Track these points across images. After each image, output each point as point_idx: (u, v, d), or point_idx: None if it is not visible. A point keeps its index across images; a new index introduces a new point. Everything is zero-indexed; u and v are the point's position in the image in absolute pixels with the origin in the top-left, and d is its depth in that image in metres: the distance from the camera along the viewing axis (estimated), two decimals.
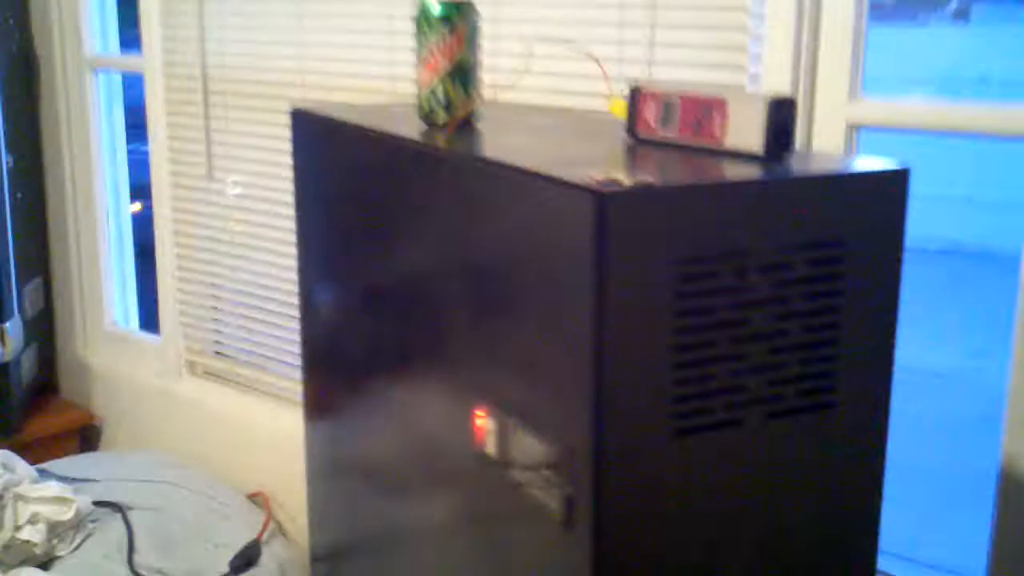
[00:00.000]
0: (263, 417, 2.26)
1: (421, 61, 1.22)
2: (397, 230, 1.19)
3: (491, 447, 1.04)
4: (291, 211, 2.14)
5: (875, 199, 0.98)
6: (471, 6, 1.22)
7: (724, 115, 1.03)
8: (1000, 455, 1.41)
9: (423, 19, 1.21)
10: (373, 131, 1.22)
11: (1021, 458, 1.38)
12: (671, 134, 1.08)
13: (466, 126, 1.23)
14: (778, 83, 1.49)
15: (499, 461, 1.02)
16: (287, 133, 2.11)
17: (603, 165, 0.97)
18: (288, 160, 2.12)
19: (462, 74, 1.22)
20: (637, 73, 1.60)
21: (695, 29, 1.55)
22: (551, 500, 0.95)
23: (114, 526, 1.94)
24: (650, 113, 1.10)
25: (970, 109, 1.39)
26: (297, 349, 2.20)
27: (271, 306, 2.22)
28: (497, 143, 1.13)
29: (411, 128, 1.22)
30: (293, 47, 2.07)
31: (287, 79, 2.09)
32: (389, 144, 1.18)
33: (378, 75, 1.95)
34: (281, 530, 2.17)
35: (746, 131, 1.01)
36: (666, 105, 1.09)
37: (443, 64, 1.21)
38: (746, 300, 0.92)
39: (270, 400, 2.28)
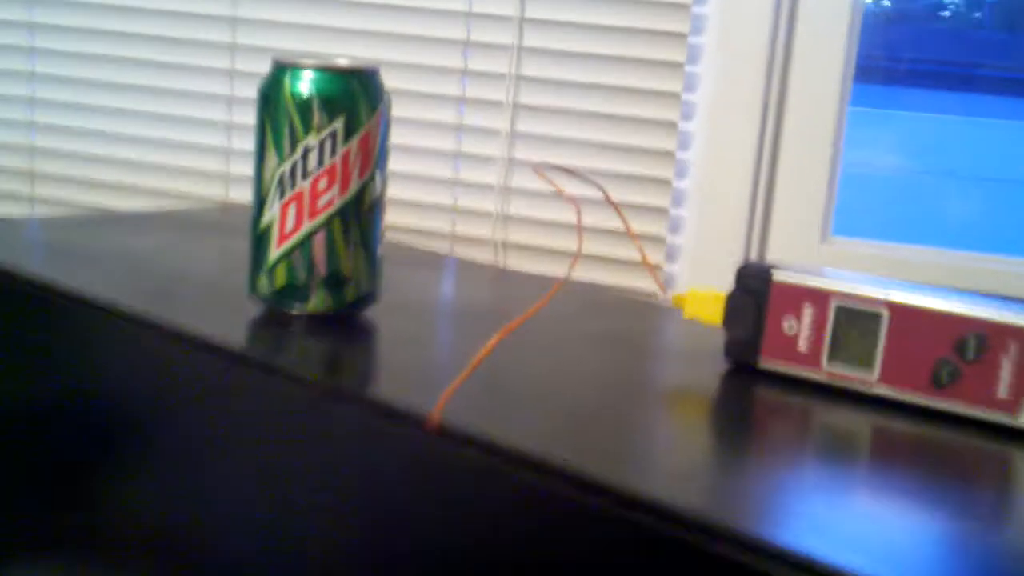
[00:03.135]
0: None
1: (276, 188, 0.57)
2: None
3: None
4: None
5: None
6: (379, 79, 0.58)
7: (1021, 362, 0.49)
8: None
9: (283, 102, 0.56)
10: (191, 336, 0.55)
11: None
12: (862, 377, 0.52)
13: (356, 311, 0.60)
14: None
15: None
16: None
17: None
18: None
19: (361, 217, 0.58)
20: None
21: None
22: None
23: None
24: (802, 328, 0.54)
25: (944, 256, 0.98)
26: None
27: None
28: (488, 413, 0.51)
29: (220, 322, 0.57)
30: None
31: None
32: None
33: None
34: None
35: None
36: (846, 314, 0.53)
37: (327, 196, 0.57)
38: None
39: None
